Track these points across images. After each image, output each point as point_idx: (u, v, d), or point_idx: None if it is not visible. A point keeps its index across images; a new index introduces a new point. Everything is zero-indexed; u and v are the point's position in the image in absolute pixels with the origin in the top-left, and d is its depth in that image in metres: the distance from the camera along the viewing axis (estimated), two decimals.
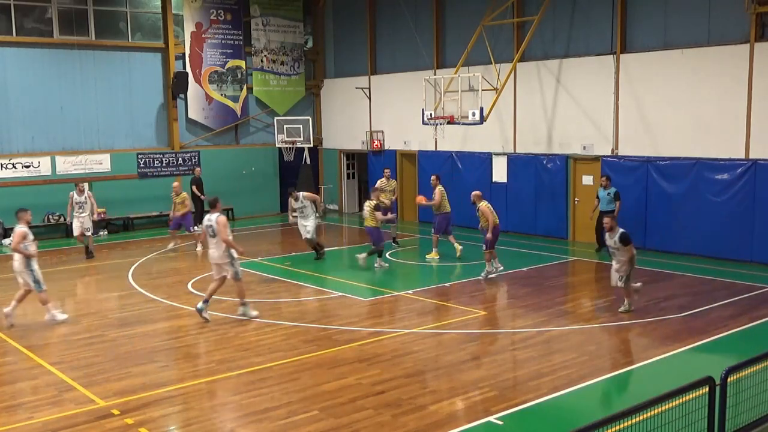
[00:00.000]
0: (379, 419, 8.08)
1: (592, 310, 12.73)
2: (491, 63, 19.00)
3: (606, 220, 12.06)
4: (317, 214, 17.34)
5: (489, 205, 15.13)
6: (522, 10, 19.84)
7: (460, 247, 17.08)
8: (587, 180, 18.92)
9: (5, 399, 8.99)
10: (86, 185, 18.31)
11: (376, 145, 24.17)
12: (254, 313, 12.29)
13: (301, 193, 17.30)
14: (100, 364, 10.14)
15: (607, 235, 12.06)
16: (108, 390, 9.06)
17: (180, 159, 23.47)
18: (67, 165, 21.53)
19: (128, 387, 9.17)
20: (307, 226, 17.00)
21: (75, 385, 9.27)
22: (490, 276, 14.87)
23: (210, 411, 8.51)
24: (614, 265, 12.16)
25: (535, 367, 9.78)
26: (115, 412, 8.40)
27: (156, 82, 23.21)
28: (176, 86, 22.99)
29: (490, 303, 13.41)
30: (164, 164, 23.20)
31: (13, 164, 20.74)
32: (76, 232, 17.97)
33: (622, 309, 12.21)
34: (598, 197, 17.22)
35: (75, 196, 17.80)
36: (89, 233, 17.99)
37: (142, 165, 22.74)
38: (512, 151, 20.51)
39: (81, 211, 17.74)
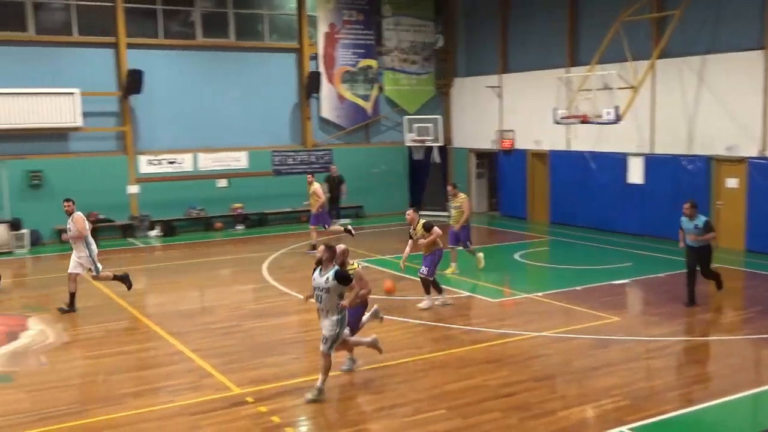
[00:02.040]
0: (506, 422, 7.98)
1: (735, 320, 12.03)
2: (628, 60, 18.34)
3: (321, 248, 8.93)
4: (89, 253, 12.96)
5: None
6: (662, 5, 19.02)
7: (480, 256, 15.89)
8: (732, 183, 17.91)
9: (150, 381, 9.54)
10: None
11: (507, 145, 23.87)
12: None
13: (76, 213, 13.00)
14: (237, 353, 10.55)
15: (316, 272, 8.85)
16: (243, 378, 9.42)
17: (313, 157, 24.08)
18: (207, 161, 22.59)
19: (262, 376, 9.49)
20: (80, 259, 12.99)
21: (213, 372, 9.70)
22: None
23: (338, 404, 8.67)
24: (322, 322, 8.88)
25: (671, 377, 9.37)
26: (250, 399, 8.72)
27: (290, 81, 23.93)
28: (310, 86, 23.63)
29: (623, 309, 12.95)
30: (297, 162, 23.88)
31: (158, 160, 21.98)
32: None
33: (309, 396, 8.66)
34: (681, 228, 12.78)
35: None
36: None
37: (276, 162, 23.50)
38: (649, 152, 19.71)
39: None
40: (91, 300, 13.86)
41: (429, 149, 24.98)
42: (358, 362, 9.67)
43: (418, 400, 8.62)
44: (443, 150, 25.64)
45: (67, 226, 13.09)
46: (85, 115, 20.53)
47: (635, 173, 19.97)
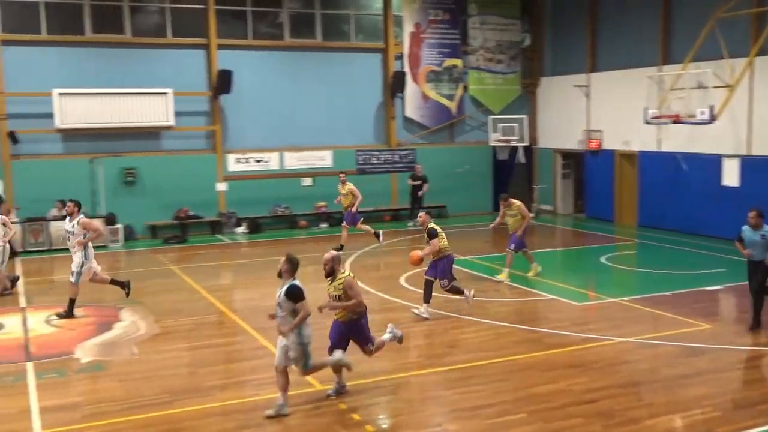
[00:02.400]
0: (589, 428, 7.80)
1: None
2: (724, 58, 17.65)
3: (282, 259, 8.35)
4: (85, 258, 12.56)
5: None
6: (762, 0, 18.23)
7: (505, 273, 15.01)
8: None
9: (236, 375, 9.78)
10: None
11: (594, 145, 23.35)
12: None
13: (81, 216, 12.58)
14: (318, 349, 10.56)
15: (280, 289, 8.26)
16: (324, 375, 9.46)
17: (396, 156, 24.14)
18: (293, 160, 22.97)
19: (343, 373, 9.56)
20: (85, 258, 12.59)
21: (295, 368, 9.81)
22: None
23: (419, 403, 8.67)
24: (280, 340, 8.35)
25: (765, 389, 8.95)
26: (331, 396, 8.80)
27: (375, 81, 24.07)
28: (394, 85, 23.72)
29: (715, 316, 12.47)
30: (381, 161, 24.00)
31: (246, 159, 22.49)
32: None
33: (330, 392, 8.75)
34: (741, 239, 11.42)
35: None
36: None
37: (360, 161, 23.67)
38: (746, 153, 18.91)
39: None
40: (181, 294, 14.30)
41: (514, 149, 24.72)
42: (346, 387, 8.91)
43: (499, 403, 8.52)
44: (528, 150, 25.31)
45: (66, 227, 12.73)
46: (177, 114, 21.22)
47: (730, 175, 19.20)
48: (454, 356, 10.27)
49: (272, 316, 8.37)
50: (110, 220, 20.27)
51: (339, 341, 8.89)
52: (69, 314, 12.54)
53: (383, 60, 24.06)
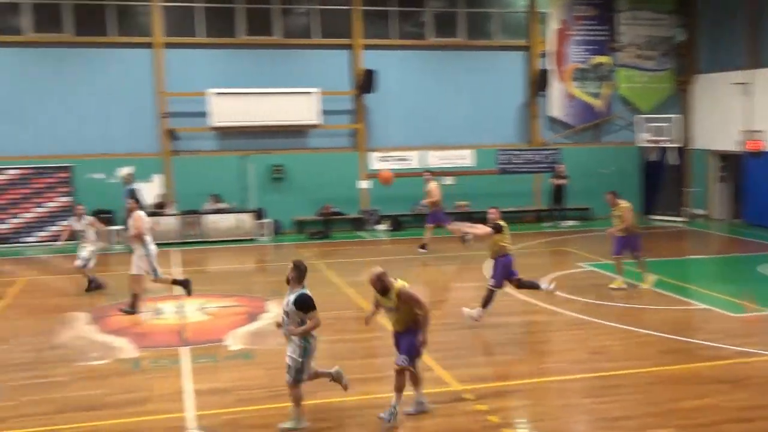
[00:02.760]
0: None
1: None
2: None
3: (291, 266, 7.97)
4: (147, 253, 12.99)
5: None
6: None
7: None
8: None
9: (374, 370, 9.93)
10: (84, 208, 15.05)
11: (755, 146, 21.90)
12: None
13: (136, 212, 13.24)
14: (458, 349, 10.63)
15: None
16: (463, 375, 9.47)
17: (539, 156, 23.68)
18: (434, 159, 23.03)
19: (482, 374, 9.50)
20: (138, 259, 13.08)
21: (434, 366, 9.84)
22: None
23: (560, 410, 8.45)
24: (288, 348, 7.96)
25: None
26: (469, 396, 8.75)
27: (518, 80, 23.73)
28: (538, 84, 23.29)
29: None
30: (523, 161, 23.62)
31: (388, 157, 22.78)
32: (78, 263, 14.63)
33: (285, 425, 7.90)
34: None
35: (74, 224, 14.89)
36: (83, 263, 14.53)
37: (502, 161, 23.40)
38: None
39: (83, 241, 14.63)
40: (323, 288, 14.65)
41: (664, 150, 23.65)
42: (426, 404, 8.38)
43: (645, 415, 8.16)
44: (681, 151, 24.12)
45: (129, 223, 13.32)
46: (323, 113, 21.81)
47: None
48: (598, 363, 9.93)
49: (279, 324, 8.16)
50: (259, 214, 21.14)
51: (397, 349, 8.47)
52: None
53: (527, 58, 23.67)
